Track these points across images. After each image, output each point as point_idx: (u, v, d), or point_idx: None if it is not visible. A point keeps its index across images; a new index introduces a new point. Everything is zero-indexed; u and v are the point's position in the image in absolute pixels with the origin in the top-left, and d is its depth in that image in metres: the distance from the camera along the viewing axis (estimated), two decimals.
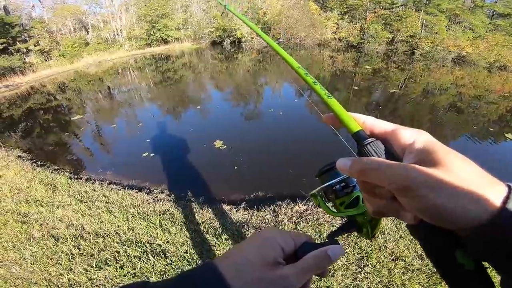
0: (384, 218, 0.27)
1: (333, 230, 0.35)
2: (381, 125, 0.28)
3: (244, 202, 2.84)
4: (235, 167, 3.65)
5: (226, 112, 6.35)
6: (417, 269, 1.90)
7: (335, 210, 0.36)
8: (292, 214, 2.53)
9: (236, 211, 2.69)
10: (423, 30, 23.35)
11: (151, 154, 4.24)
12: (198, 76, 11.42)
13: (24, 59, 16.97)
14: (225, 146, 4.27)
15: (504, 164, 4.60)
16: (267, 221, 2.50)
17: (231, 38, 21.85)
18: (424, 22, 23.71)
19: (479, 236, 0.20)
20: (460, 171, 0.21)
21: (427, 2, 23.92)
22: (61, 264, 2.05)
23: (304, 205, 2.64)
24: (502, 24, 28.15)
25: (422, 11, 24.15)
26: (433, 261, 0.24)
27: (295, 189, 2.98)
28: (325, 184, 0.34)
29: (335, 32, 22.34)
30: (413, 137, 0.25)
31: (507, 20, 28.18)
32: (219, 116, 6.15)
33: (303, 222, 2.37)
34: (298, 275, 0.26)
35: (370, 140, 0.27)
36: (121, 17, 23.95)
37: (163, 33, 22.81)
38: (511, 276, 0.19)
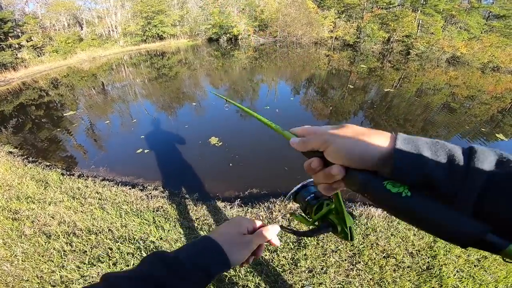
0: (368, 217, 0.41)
1: (312, 228, 0.44)
2: (309, 128, 0.41)
3: (239, 199, 2.85)
4: (230, 164, 3.65)
5: (222, 109, 6.33)
6: (408, 267, 1.93)
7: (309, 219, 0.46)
8: (286, 211, 2.54)
9: (231, 208, 2.70)
10: (419, 30, 23.53)
11: (145, 151, 4.20)
12: (194, 73, 11.34)
13: (16, 54, 16.60)
14: (221, 143, 4.26)
15: None
16: (261, 218, 2.51)
17: (228, 35, 21.71)
18: (420, 22, 23.89)
19: (385, 166, 0.29)
20: (357, 128, 0.33)
21: (424, 3, 24.08)
22: (53, 261, 2.03)
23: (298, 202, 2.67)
24: (497, 25, 28.52)
25: (419, 11, 24.32)
26: (370, 198, 0.30)
27: (289, 187, 3.01)
28: (297, 190, 0.50)
29: (331, 31, 22.37)
30: (331, 126, 0.37)
31: (502, 21, 28.57)
32: (215, 113, 6.12)
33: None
34: (253, 238, 0.44)
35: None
36: (116, 13, 23.57)
37: (159, 30, 22.55)
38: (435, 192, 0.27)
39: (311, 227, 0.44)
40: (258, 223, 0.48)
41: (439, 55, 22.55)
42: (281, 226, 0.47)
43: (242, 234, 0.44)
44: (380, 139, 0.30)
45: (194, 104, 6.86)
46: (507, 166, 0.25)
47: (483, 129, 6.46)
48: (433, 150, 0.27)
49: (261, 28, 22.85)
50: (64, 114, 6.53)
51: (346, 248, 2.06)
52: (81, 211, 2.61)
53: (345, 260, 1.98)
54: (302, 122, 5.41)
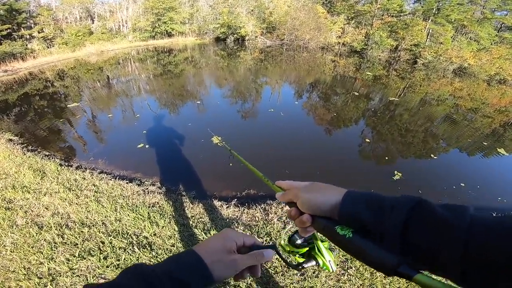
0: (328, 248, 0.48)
1: (298, 263, 0.50)
2: (292, 184, 0.50)
3: (236, 199, 2.83)
4: (231, 164, 3.64)
5: (226, 109, 6.32)
6: None
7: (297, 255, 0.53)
8: (282, 214, 2.53)
9: (227, 207, 2.68)
10: (428, 40, 23.43)
11: (146, 146, 4.20)
12: (199, 71, 11.37)
13: (26, 45, 16.74)
14: (223, 143, 4.26)
15: (487, 174, 4.65)
16: (257, 219, 2.49)
17: (235, 35, 21.78)
18: (430, 31, 23.77)
19: (335, 213, 0.39)
20: (321, 185, 0.45)
21: (436, 12, 23.96)
22: (42, 253, 2.02)
23: None
24: (508, 37, 28.13)
25: (430, 20, 24.17)
26: (328, 238, 0.40)
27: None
28: (291, 235, 0.54)
29: (339, 37, 22.34)
30: (305, 183, 0.48)
31: None
32: (219, 113, 6.11)
33: (291, 222, 2.37)
34: (242, 260, 0.43)
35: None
36: (128, 7, 23.74)
37: (168, 26, 22.68)
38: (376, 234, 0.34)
39: (300, 260, 0.52)
40: (250, 240, 0.46)
41: (446, 65, 22.38)
42: (277, 252, 0.50)
43: (230, 251, 0.42)
44: (334, 194, 0.40)
45: (198, 102, 6.85)
46: (424, 206, 0.32)
47: (484, 143, 6.39)
48: (368, 202, 0.36)
49: (268, 30, 22.88)
50: (68, 105, 6.56)
51: (339, 253, 2.03)
52: (76, 203, 2.61)
53: (337, 265, 1.95)
54: (305, 127, 5.39)
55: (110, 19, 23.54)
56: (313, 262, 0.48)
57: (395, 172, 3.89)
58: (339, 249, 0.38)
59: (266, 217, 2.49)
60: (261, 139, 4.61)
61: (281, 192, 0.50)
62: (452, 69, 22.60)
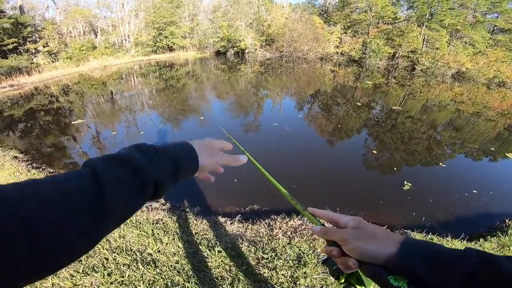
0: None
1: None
2: (331, 214, 0.47)
3: (240, 215, 2.81)
4: (235, 180, 3.63)
5: (229, 124, 6.35)
6: None
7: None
8: (286, 229, 2.49)
9: (231, 223, 2.65)
10: (424, 46, 23.72)
11: None
12: (201, 85, 11.56)
13: (32, 59, 17.14)
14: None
15: (498, 179, 4.59)
16: (261, 234, 2.46)
17: (235, 48, 22.24)
18: (425, 37, 24.07)
19: (390, 263, 0.37)
20: (371, 229, 0.41)
21: (429, 18, 24.34)
22: None
23: (299, 220, 2.60)
24: (502, 39, 28.40)
25: (424, 26, 24.49)
26: (378, 285, 0.38)
27: (290, 204, 3.00)
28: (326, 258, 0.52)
29: (337, 47, 22.72)
30: (351, 218, 0.44)
31: (507, 35, 28.50)
32: (222, 127, 6.16)
33: (297, 236, 2.34)
34: (222, 157, 0.56)
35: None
36: (130, 22, 24.48)
37: (169, 41, 23.26)
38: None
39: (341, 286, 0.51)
40: (228, 146, 0.62)
41: (444, 70, 22.52)
42: (248, 157, 0.67)
43: (213, 149, 0.55)
44: (389, 243, 0.38)
45: (202, 118, 6.92)
46: (491, 262, 0.32)
47: (492, 148, 6.32)
48: (427, 254, 0.35)
49: (267, 42, 23.35)
50: (72, 122, 6.65)
51: None
52: None
53: None
54: (309, 139, 5.40)
55: (113, 33, 24.21)
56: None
57: (405, 182, 3.87)
58: None
59: (271, 233, 2.46)
60: (266, 154, 4.61)
61: (318, 227, 0.46)
62: (450, 74, 22.75)
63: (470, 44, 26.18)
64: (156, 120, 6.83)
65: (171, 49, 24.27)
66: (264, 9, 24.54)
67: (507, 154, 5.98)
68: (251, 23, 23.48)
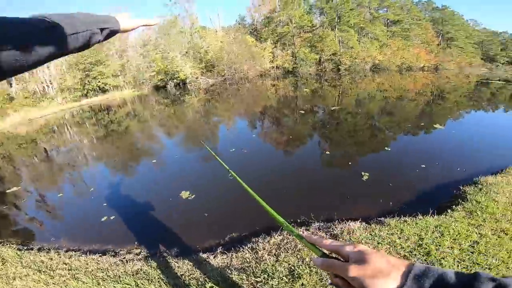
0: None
1: None
2: (332, 244, 0.46)
3: (220, 247, 2.75)
4: (206, 214, 3.53)
5: (186, 160, 6.16)
6: None
7: None
8: (270, 247, 2.50)
9: (214, 257, 2.56)
10: (341, 47, 27.21)
11: (112, 217, 3.85)
12: (146, 125, 11.00)
13: None
14: (193, 195, 4.11)
15: (438, 150, 5.36)
16: (248, 260, 2.42)
17: (175, 80, 21.86)
18: (340, 39, 27.65)
19: None
20: (376, 263, 0.39)
21: (338, 20, 28.08)
22: None
23: (279, 235, 2.65)
24: (396, 30, 34.54)
25: (336, 28, 28.11)
26: None
27: (267, 223, 3.03)
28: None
29: (272, 61, 24.37)
30: (352, 248, 0.43)
31: (398, 26, 34.82)
32: (180, 166, 5.91)
33: (283, 252, 2.36)
34: (138, 20, 0.69)
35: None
36: (49, 65, 22.06)
37: (99, 82, 21.63)
38: None
39: None
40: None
41: (363, 66, 26.07)
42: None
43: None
44: (395, 277, 0.37)
45: (154, 160, 6.56)
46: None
47: (421, 123, 7.46)
48: (434, 282, 0.35)
49: (208, 69, 23.62)
50: (7, 190, 5.61)
51: None
52: (53, 283, 2.32)
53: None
54: (270, 158, 5.54)
55: (31, 80, 21.40)
56: None
57: (362, 173, 4.16)
58: None
59: (257, 255, 2.44)
60: (228, 181, 4.58)
61: (320, 259, 0.45)
62: (368, 68, 26.35)
63: (375, 39, 30.98)
64: (104, 172, 6.22)
65: (103, 91, 22.61)
66: (198, 36, 24.88)
67: (435, 125, 7.16)
68: (186, 52, 23.53)
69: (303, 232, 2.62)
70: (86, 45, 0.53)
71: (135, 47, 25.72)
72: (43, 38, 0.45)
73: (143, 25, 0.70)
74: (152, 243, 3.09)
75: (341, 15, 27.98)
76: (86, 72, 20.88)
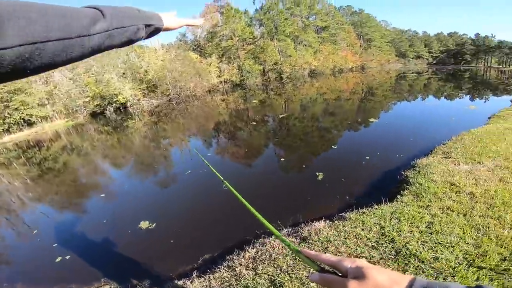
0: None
1: None
2: (329, 259, 0.44)
3: (196, 270, 2.62)
4: (172, 240, 3.33)
5: (139, 190, 5.67)
6: (381, 259, 2.09)
7: None
8: (246, 262, 2.46)
9: (191, 282, 2.42)
10: (281, 56, 29.08)
11: (67, 257, 3.37)
12: (88, 158, 9.81)
13: None
14: (154, 224, 3.83)
15: (376, 141, 6.08)
16: (227, 279, 2.34)
17: (114, 104, 20.03)
18: (279, 48, 29.54)
19: None
20: (376, 278, 0.37)
21: (276, 31, 30.00)
22: None
23: (253, 248, 2.62)
24: (325, 36, 38.50)
25: (275, 38, 29.97)
26: None
27: (236, 238, 3.00)
28: None
29: (219, 76, 24.48)
30: (350, 263, 0.42)
31: (326, 31, 38.95)
32: (133, 196, 5.40)
33: (260, 264, 2.33)
34: (185, 19, 0.66)
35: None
36: None
37: (22, 113, 18.37)
38: None
39: None
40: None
41: (302, 72, 28.29)
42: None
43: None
44: None
45: (103, 195, 5.88)
46: None
47: (358, 119, 8.37)
48: None
49: (151, 89, 22.27)
50: None
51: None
52: None
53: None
54: (230, 174, 5.48)
55: None
56: None
57: (317, 173, 4.40)
58: None
59: (235, 272, 2.38)
60: (189, 204, 4.39)
61: (317, 275, 0.44)
62: (307, 74, 28.65)
63: (309, 46, 33.97)
64: (47, 212, 5.36)
65: (29, 124, 19.26)
66: (135, 55, 23.38)
67: (370, 120, 8.15)
68: (124, 73, 21.88)
69: (300, 246, 2.65)
70: (129, 42, 0.48)
71: (63, 71, 22.82)
72: (92, 31, 0.39)
73: (187, 25, 0.65)
74: (121, 278, 2.84)
75: (278, 25, 29.98)
76: (5, 103, 17.55)
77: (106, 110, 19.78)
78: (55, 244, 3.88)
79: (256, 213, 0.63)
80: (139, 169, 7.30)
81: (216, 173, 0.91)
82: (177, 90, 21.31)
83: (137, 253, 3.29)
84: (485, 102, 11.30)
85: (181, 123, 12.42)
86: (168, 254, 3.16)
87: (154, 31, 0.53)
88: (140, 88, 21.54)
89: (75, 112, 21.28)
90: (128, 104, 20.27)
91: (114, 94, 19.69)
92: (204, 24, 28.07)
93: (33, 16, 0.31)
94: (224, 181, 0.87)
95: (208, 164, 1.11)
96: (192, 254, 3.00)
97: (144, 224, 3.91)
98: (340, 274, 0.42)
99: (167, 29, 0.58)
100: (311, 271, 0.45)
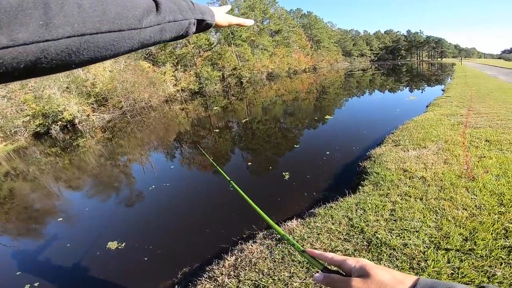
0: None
1: None
2: (333, 258, 0.45)
3: (176, 286, 2.58)
4: (145, 258, 3.20)
5: (100, 210, 5.26)
6: (355, 251, 2.12)
7: None
8: (227, 270, 2.42)
9: None
10: (239, 61, 29.38)
11: (35, 284, 3.09)
12: (38, 183, 8.71)
13: None
14: (123, 243, 3.61)
15: (334, 136, 6.55)
16: None
17: (59, 123, 18.00)
18: (237, 53, 29.80)
19: None
20: (380, 278, 0.37)
21: (232, 36, 30.21)
22: None
23: (231, 255, 2.60)
24: (279, 39, 40.04)
25: (232, 44, 30.14)
26: None
27: (213, 247, 3.02)
28: None
29: (176, 85, 23.64)
30: (354, 262, 0.41)
31: (280, 35, 40.57)
32: (95, 217, 4.99)
33: (241, 271, 2.31)
34: (233, 17, 0.58)
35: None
36: None
37: None
38: None
39: None
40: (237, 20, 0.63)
41: (260, 76, 29.02)
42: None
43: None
44: None
45: (60, 219, 5.33)
46: None
47: (316, 117, 8.94)
48: None
49: (100, 103, 20.54)
50: None
51: (299, 269, 2.15)
52: None
53: (304, 279, 2.03)
54: (197, 184, 5.42)
55: None
56: None
57: (283, 173, 4.55)
58: None
59: (217, 283, 2.35)
60: (159, 220, 4.24)
61: (321, 275, 0.43)
62: (265, 77, 29.44)
63: (265, 49, 34.98)
64: (3, 241, 4.69)
65: None
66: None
67: (326, 117, 8.79)
68: (67, 87, 19.81)
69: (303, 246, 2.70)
70: (179, 37, 0.44)
71: None
72: (144, 24, 0.35)
73: (237, 24, 0.60)
74: None
75: (234, 31, 30.16)
76: None
77: (51, 129, 17.64)
78: (19, 272, 3.49)
79: (263, 214, 0.66)
80: (98, 189, 6.77)
81: (223, 173, 0.93)
82: (130, 102, 19.97)
83: (110, 274, 3.11)
84: (422, 92, 13.09)
85: (139, 137, 11.77)
86: (144, 272, 3.05)
87: (205, 26, 0.49)
88: (88, 103, 19.72)
89: (15, 134, 18.59)
90: (76, 121, 18.37)
91: (59, 111, 17.72)
92: None
93: (85, 3, 0.27)
94: (231, 181, 0.91)
95: (213, 163, 1.12)
96: (169, 269, 2.93)
97: (112, 245, 3.69)
98: (344, 274, 0.42)
99: (217, 26, 0.54)
100: (315, 272, 0.50)
